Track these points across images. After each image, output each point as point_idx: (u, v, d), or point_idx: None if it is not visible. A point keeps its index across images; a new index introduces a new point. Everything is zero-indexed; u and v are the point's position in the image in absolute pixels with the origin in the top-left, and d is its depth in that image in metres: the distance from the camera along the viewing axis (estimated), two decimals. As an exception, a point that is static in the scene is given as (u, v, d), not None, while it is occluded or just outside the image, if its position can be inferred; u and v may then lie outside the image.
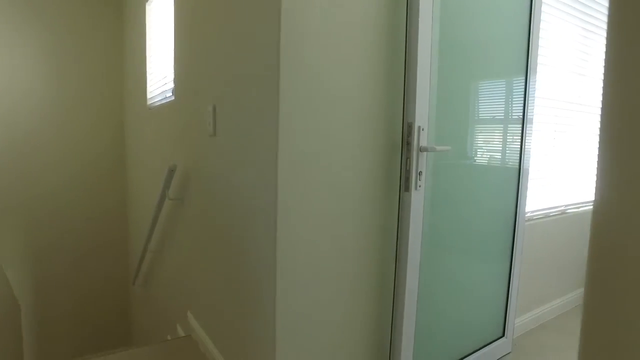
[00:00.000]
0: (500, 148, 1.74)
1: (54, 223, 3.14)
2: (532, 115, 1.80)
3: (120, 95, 3.32)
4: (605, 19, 2.52)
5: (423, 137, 1.33)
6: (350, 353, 1.35)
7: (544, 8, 1.96)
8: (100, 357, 1.68)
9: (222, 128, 1.47)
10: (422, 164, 1.34)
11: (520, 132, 1.77)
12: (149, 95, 2.56)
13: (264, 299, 1.22)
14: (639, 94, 0.36)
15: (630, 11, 0.36)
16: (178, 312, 2.09)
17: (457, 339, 1.68)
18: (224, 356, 1.53)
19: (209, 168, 1.61)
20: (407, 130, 1.33)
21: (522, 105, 1.76)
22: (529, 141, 1.80)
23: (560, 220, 2.33)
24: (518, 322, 2.09)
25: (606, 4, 2.49)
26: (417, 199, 1.35)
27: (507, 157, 1.76)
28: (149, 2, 2.49)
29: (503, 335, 1.87)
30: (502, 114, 1.73)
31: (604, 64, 0.40)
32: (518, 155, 1.79)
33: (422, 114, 1.32)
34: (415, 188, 1.33)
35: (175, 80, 1.98)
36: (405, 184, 1.35)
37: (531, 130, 1.80)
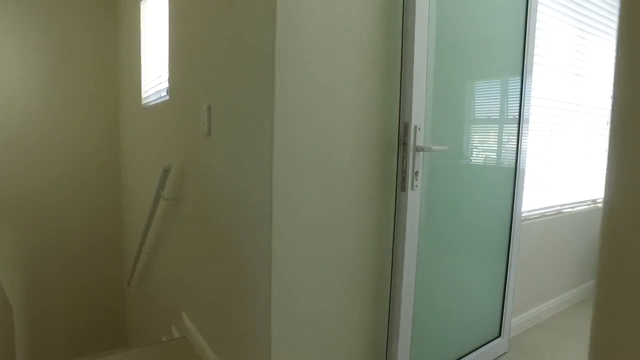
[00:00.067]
0: (497, 148, 1.74)
1: (47, 222, 3.11)
2: (528, 115, 1.80)
3: (115, 94, 3.30)
4: (600, 19, 2.53)
5: (419, 137, 1.33)
6: (346, 353, 1.34)
7: (539, 8, 1.96)
8: (94, 359, 1.66)
9: (217, 128, 1.46)
10: (419, 163, 1.34)
11: (516, 132, 1.78)
12: (143, 95, 2.54)
13: (259, 299, 1.21)
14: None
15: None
16: (173, 313, 2.07)
17: (453, 339, 1.68)
18: (219, 358, 1.52)
19: (204, 168, 1.60)
20: (404, 130, 1.32)
21: (518, 105, 1.76)
22: (525, 141, 1.80)
23: (556, 219, 2.34)
24: (514, 321, 2.09)
25: (602, 4, 2.51)
26: (414, 198, 1.34)
27: (503, 157, 1.76)
28: (143, 1, 2.47)
29: (499, 335, 1.87)
30: (498, 114, 1.73)
31: (614, 61, 0.39)
32: (514, 155, 1.79)
33: (419, 114, 1.31)
34: (412, 188, 1.33)
35: (170, 80, 1.96)
36: (401, 184, 1.35)
37: (527, 130, 1.80)
